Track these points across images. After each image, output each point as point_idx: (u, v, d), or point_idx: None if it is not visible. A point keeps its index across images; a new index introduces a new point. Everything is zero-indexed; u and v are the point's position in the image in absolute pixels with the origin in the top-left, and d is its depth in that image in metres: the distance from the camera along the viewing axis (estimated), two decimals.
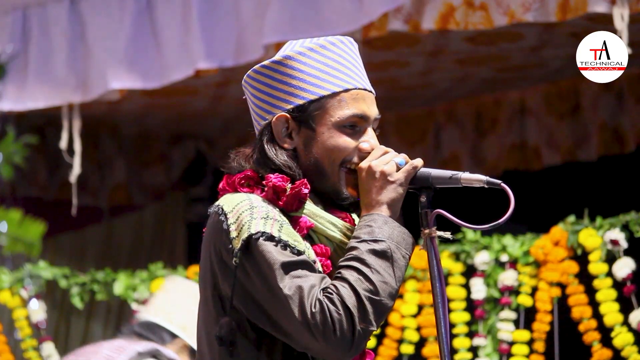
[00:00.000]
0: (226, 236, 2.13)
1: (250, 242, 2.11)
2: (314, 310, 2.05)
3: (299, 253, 2.11)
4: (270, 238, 2.11)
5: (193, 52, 4.64)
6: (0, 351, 4.95)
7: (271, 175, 2.20)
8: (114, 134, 6.46)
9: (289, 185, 2.19)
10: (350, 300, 2.07)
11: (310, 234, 2.19)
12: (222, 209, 2.16)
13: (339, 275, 2.12)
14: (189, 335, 3.86)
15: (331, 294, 2.08)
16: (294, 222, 2.18)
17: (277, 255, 2.09)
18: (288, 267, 2.09)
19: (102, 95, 4.87)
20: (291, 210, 2.18)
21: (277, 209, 2.17)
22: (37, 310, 4.89)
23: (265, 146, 2.24)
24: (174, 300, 3.96)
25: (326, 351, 2.08)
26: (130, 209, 6.61)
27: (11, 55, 4.62)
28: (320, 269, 2.15)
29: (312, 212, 2.20)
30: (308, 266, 2.11)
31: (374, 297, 2.09)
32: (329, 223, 2.20)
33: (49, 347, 4.93)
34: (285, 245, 2.11)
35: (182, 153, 6.71)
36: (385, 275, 2.11)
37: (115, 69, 4.80)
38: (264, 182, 2.21)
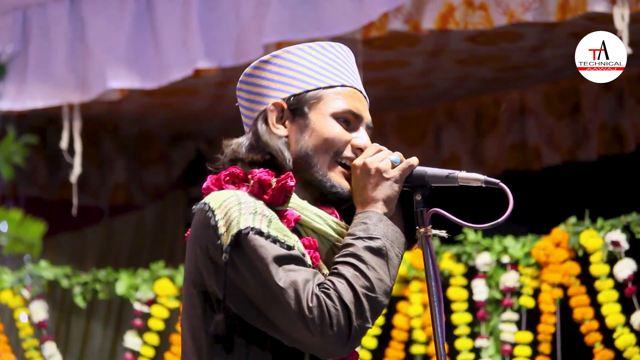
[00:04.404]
0: (214, 233, 2.11)
1: (240, 238, 2.08)
2: (310, 304, 2.03)
3: (289, 248, 2.09)
4: (260, 233, 2.09)
5: (193, 51, 4.64)
6: (2, 351, 4.95)
7: (256, 170, 2.19)
8: (114, 134, 6.46)
9: (274, 179, 2.17)
10: (348, 296, 2.05)
11: (297, 228, 2.18)
12: (209, 206, 2.14)
13: (335, 270, 2.10)
14: None
15: (328, 289, 2.06)
16: (281, 215, 2.16)
17: (269, 249, 2.08)
18: (281, 260, 2.07)
19: (101, 95, 4.87)
20: (277, 204, 2.16)
21: (264, 204, 2.15)
22: (38, 310, 4.89)
23: (260, 131, 2.25)
24: None
25: (321, 346, 2.06)
26: (130, 209, 6.61)
27: (11, 55, 4.62)
28: (309, 262, 2.13)
29: (298, 204, 2.18)
30: (300, 261, 2.09)
31: (370, 293, 2.08)
32: (315, 215, 2.19)
33: (50, 347, 4.93)
34: (275, 240, 2.09)
35: (182, 153, 6.70)
36: (380, 273, 2.10)
37: (115, 69, 4.79)
38: (249, 176, 2.20)
